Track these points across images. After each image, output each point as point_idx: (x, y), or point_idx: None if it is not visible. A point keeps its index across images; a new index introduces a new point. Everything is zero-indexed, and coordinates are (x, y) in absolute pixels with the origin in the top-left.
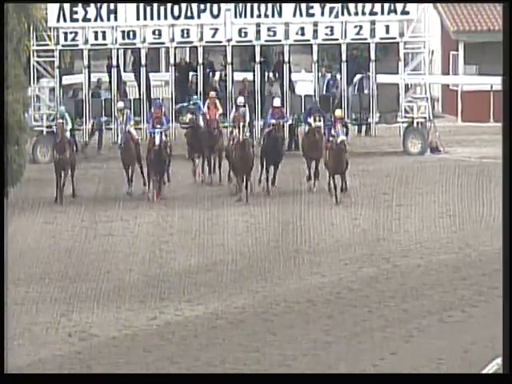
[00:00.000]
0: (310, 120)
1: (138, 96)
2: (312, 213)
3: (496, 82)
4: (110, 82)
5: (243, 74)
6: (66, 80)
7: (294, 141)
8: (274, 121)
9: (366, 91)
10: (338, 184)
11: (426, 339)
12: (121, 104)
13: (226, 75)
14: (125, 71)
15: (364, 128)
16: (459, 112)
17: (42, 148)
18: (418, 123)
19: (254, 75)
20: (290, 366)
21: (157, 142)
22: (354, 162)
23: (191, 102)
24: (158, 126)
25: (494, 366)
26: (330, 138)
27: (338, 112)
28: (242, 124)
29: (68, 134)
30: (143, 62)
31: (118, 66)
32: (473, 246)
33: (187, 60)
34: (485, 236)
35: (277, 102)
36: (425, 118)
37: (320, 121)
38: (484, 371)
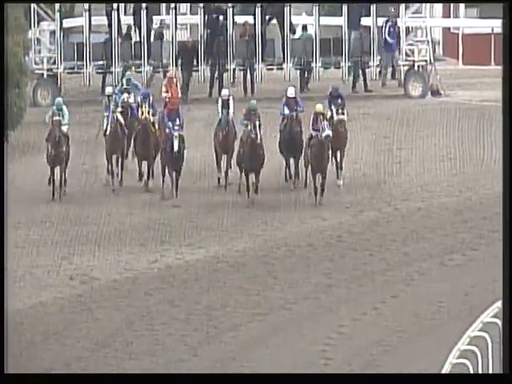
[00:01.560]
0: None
1: (138, 39)
2: None
3: (497, 25)
4: (110, 25)
5: (244, 17)
6: (67, 23)
7: (306, 83)
8: (288, 111)
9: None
10: (319, 184)
11: (426, 282)
12: (109, 89)
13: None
14: (125, 14)
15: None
16: (460, 55)
17: (43, 91)
18: (418, 66)
19: (255, 18)
20: (291, 310)
21: (175, 147)
22: (355, 105)
23: (123, 83)
24: (177, 127)
25: (495, 309)
26: (313, 133)
27: (318, 107)
28: (257, 122)
29: (65, 128)
30: (143, 4)
31: (118, 9)
32: (473, 189)
33: None
34: (485, 179)
35: (291, 91)
36: (426, 61)
37: (344, 114)
38: (484, 315)
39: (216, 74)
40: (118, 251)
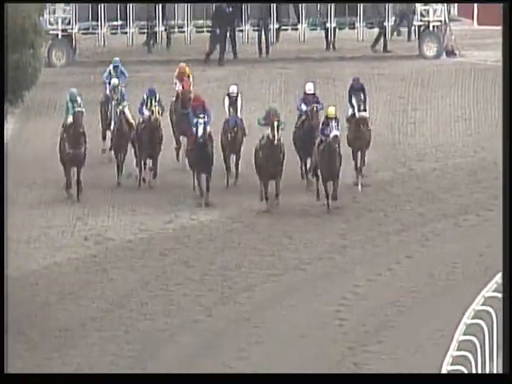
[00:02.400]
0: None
1: None
2: None
3: None
4: None
5: None
6: None
7: (331, 44)
8: (306, 108)
9: None
10: (331, 192)
11: (441, 243)
12: (115, 81)
13: None
14: None
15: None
16: (475, 15)
17: (57, 52)
18: (433, 26)
19: None
20: (306, 270)
21: (200, 133)
22: (370, 65)
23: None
24: (201, 116)
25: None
26: (323, 138)
27: (330, 110)
28: (276, 123)
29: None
30: None
31: None
32: (488, 149)
33: None
34: (500, 139)
35: (309, 87)
36: (440, 21)
37: (365, 110)
38: (499, 275)
39: (229, 35)
40: (132, 212)
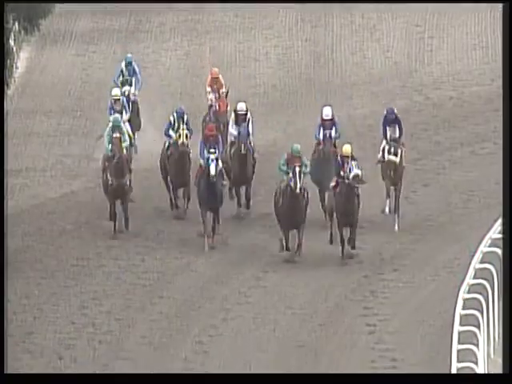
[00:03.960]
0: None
1: None
2: (344, 46)
3: None
4: None
5: None
6: None
7: None
8: (323, 136)
9: None
10: (347, 240)
11: (457, 171)
12: (116, 91)
13: None
14: None
15: None
16: None
17: None
18: None
19: None
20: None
21: (212, 171)
22: None
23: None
24: (213, 150)
25: None
26: (339, 180)
27: (346, 149)
28: (298, 169)
29: (125, 150)
30: None
31: None
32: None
33: None
34: None
35: (327, 112)
36: None
37: (396, 155)
38: None
39: None
40: (146, 141)
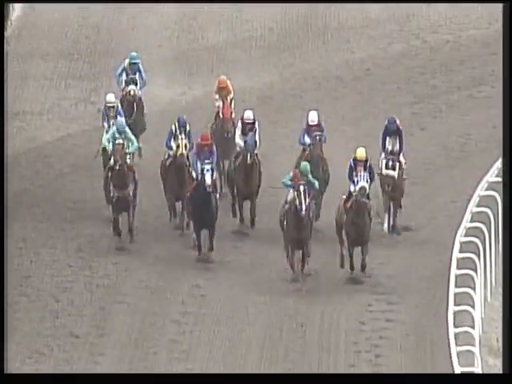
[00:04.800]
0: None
1: None
2: None
3: None
4: None
5: None
6: None
7: None
8: (309, 141)
9: None
10: (359, 259)
11: (454, 114)
12: (111, 97)
13: None
14: None
15: None
16: None
17: None
18: None
19: None
20: None
21: (208, 180)
22: None
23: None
24: (208, 161)
25: None
26: (352, 189)
27: (360, 153)
28: (302, 188)
29: (129, 159)
30: None
31: None
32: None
33: None
34: None
35: (312, 117)
36: None
37: (395, 169)
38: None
39: None
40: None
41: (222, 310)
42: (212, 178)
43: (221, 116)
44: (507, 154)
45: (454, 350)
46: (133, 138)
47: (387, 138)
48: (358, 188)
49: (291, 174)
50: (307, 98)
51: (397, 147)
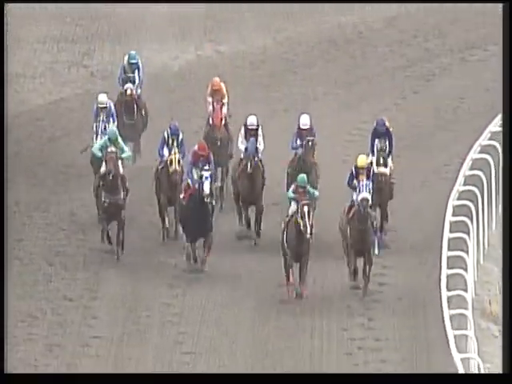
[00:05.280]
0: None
1: None
2: None
3: None
4: None
5: None
6: None
7: None
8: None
9: None
10: (364, 268)
11: (447, 78)
12: (102, 97)
13: None
14: None
15: None
16: None
17: None
18: None
19: None
20: (311, 106)
21: (206, 190)
22: None
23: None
24: (206, 167)
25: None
26: (354, 198)
27: (361, 160)
28: (306, 209)
29: (121, 167)
30: None
31: None
32: None
33: None
34: None
35: (305, 121)
36: None
37: (386, 165)
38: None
39: None
40: (138, 47)
41: (215, 273)
42: (211, 187)
43: (210, 122)
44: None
45: (446, 313)
46: (125, 147)
47: (376, 140)
48: (359, 198)
49: (293, 187)
50: (299, 62)
51: (387, 146)
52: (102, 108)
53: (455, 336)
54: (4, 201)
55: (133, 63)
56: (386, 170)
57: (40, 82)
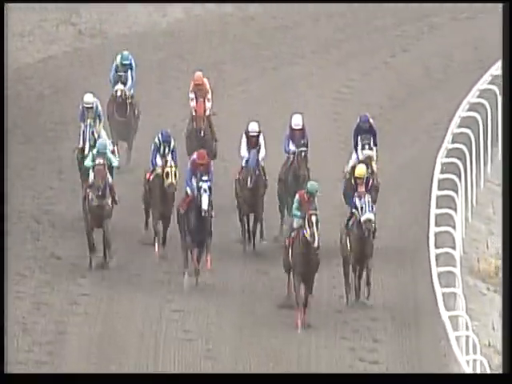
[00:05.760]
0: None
1: None
2: None
3: None
4: None
5: None
6: None
7: None
8: (294, 148)
9: None
10: (363, 281)
11: (437, 36)
12: (88, 97)
13: None
14: None
15: None
16: None
17: None
18: None
19: None
20: (300, 64)
21: (204, 205)
22: None
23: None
24: (205, 178)
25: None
26: (354, 211)
27: (360, 170)
28: (314, 218)
29: (109, 177)
30: None
31: None
32: None
33: None
34: None
35: (297, 121)
36: None
37: (371, 149)
38: (494, 67)
39: None
40: (126, 5)
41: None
42: (209, 201)
43: (193, 113)
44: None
45: (434, 270)
46: (113, 158)
47: (359, 137)
48: (363, 220)
49: (297, 197)
50: (289, 20)
51: (372, 143)
52: (88, 108)
53: (443, 294)
54: None
55: (126, 64)
56: (373, 153)
57: (28, 41)
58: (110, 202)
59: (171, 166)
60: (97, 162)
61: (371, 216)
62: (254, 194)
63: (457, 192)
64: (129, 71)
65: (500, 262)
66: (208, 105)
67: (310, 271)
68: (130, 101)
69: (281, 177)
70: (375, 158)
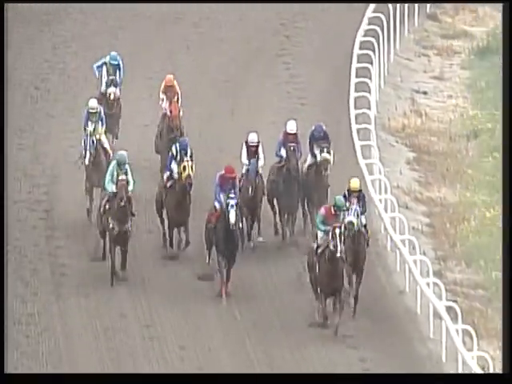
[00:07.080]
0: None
1: None
2: None
3: None
4: None
5: None
6: None
7: None
8: (285, 154)
9: None
10: (355, 285)
11: None
12: (93, 103)
13: None
14: None
15: None
16: None
17: None
18: None
19: None
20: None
21: (232, 219)
22: None
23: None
24: (232, 195)
25: None
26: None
27: (354, 183)
28: (338, 231)
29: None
30: None
31: None
32: None
33: None
34: None
35: (291, 126)
36: None
37: (330, 153)
38: None
39: None
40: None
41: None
42: (237, 216)
43: (168, 114)
44: None
45: (354, 127)
46: (130, 177)
47: (314, 145)
48: (346, 221)
49: (323, 212)
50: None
51: (326, 150)
52: (92, 113)
53: (361, 146)
54: None
55: (114, 64)
56: (330, 157)
57: None
58: (130, 225)
59: (187, 161)
60: (120, 178)
61: (353, 219)
62: (253, 200)
63: (372, 64)
64: (117, 72)
65: None
66: (179, 105)
67: (338, 285)
68: (117, 101)
69: (272, 175)
70: (331, 162)
